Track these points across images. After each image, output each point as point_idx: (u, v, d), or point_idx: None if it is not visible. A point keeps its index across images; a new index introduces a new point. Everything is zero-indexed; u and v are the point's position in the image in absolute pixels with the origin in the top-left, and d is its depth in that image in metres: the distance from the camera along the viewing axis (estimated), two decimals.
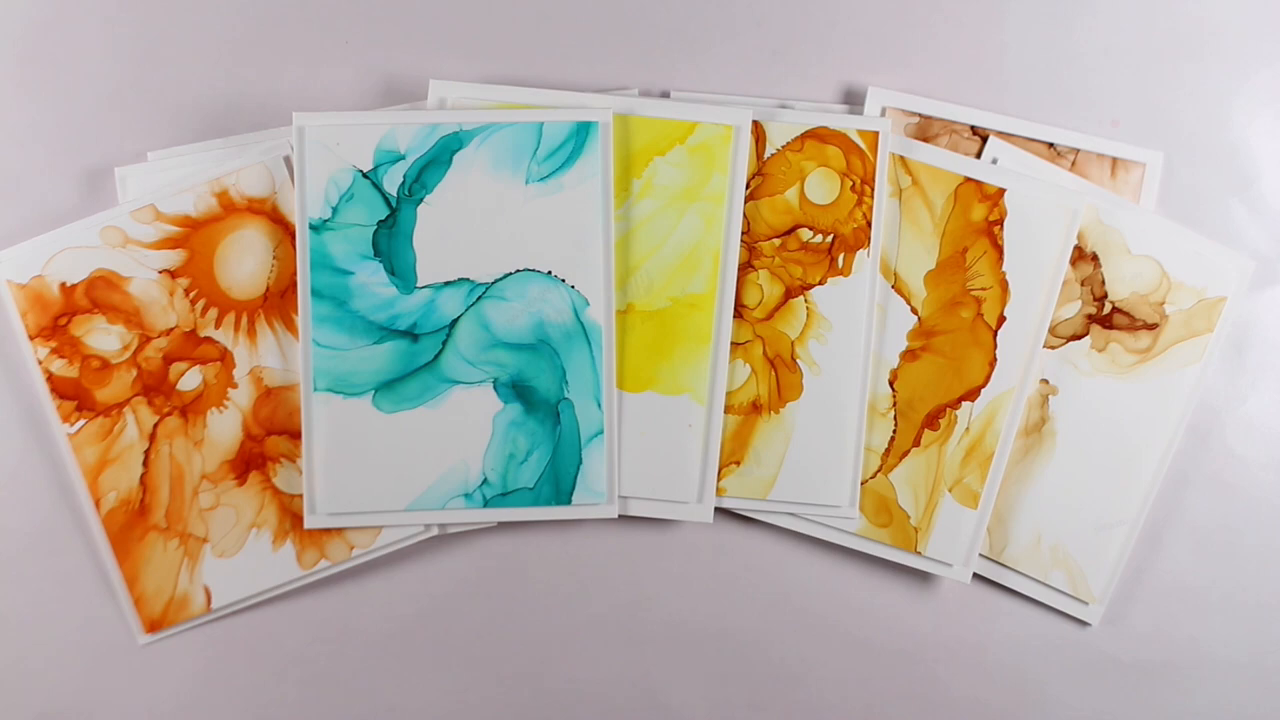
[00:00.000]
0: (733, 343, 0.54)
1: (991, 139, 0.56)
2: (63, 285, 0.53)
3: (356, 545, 0.53)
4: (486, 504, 0.53)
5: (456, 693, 0.54)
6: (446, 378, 0.53)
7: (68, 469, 0.53)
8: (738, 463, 0.55)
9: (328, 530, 0.53)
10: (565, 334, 0.54)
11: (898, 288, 0.55)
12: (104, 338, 0.53)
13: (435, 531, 0.54)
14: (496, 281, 0.53)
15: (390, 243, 0.53)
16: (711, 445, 0.54)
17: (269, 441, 0.53)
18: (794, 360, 0.55)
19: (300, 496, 0.53)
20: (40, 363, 0.53)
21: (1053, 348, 0.56)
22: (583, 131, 0.53)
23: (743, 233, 0.54)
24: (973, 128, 0.56)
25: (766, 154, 0.55)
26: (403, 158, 0.53)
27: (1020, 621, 0.56)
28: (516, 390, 0.53)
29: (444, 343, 0.53)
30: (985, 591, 0.56)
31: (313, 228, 0.53)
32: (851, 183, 0.54)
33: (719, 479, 0.54)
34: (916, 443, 0.55)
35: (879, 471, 0.55)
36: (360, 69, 0.56)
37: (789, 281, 0.55)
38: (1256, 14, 0.58)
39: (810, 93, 0.57)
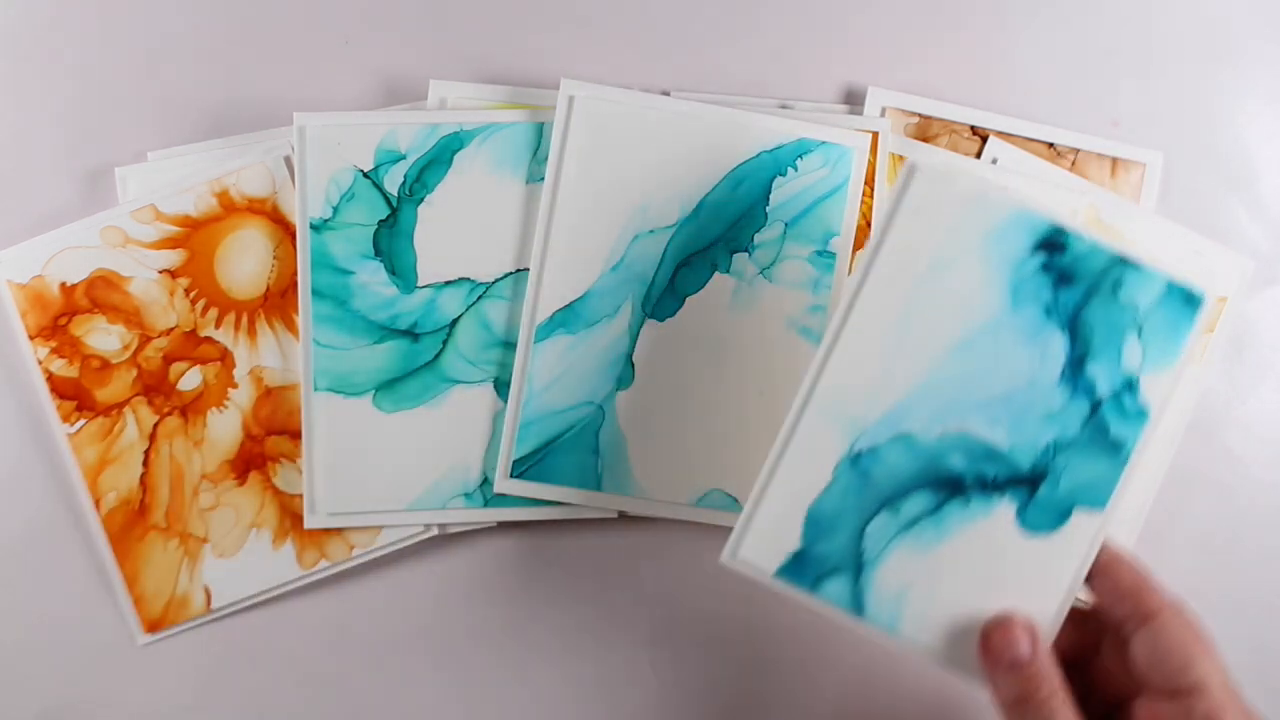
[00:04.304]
0: None
1: (991, 139, 0.56)
2: (63, 285, 0.53)
3: (356, 545, 0.53)
4: (487, 504, 0.53)
5: (456, 693, 0.54)
6: (447, 377, 0.53)
7: (67, 469, 0.53)
8: None
9: (328, 530, 0.53)
10: None
11: None
12: (104, 338, 0.53)
13: (435, 531, 0.54)
14: (497, 281, 0.53)
15: (391, 242, 0.53)
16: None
17: (269, 441, 0.53)
18: None
19: (300, 496, 0.53)
20: (40, 363, 0.53)
21: None
22: None
23: None
24: (973, 128, 0.56)
25: None
26: (403, 157, 0.53)
27: None
28: None
29: (444, 342, 0.53)
30: None
31: (313, 227, 0.53)
32: None
33: None
34: None
35: None
36: (360, 69, 0.56)
37: None
38: (1257, 14, 0.58)
39: (810, 93, 0.57)
